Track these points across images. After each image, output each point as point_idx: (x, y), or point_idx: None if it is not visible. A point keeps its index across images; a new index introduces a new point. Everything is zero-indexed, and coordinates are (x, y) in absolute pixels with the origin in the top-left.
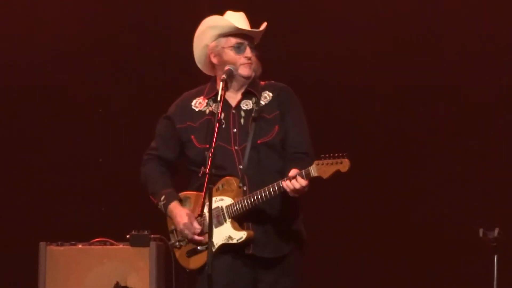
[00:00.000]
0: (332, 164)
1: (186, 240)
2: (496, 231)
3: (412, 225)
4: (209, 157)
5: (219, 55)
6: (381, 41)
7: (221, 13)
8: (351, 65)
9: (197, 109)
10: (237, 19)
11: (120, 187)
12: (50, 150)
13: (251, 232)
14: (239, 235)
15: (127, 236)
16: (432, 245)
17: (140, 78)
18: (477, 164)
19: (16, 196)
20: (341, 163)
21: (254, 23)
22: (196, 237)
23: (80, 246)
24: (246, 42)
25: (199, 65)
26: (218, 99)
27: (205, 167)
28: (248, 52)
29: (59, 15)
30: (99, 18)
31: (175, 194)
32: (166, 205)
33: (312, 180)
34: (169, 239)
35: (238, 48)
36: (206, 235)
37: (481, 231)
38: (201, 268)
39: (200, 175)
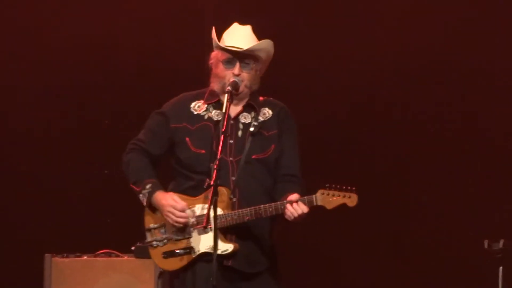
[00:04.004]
0: (339, 196)
1: (164, 240)
2: (501, 242)
3: (417, 237)
4: (214, 169)
5: (214, 66)
6: (385, 71)
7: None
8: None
9: (195, 112)
10: (233, 34)
11: (126, 198)
12: (56, 161)
13: (237, 245)
14: (225, 247)
15: (132, 248)
16: (437, 257)
17: (147, 91)
18: (482, 176)
19: (21, 207)
20: (349, 197)
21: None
22: (182, 214)
23: (85, 257)
24: (236, 60)
25: None
26: (223, 110)
27: (209, 178)
28: (236, 68)
29: (67, 22)
30: (106, 30)
31: (161, 185)
32: (152, 193)
33: (313, 208)
34: (145, 238)
35: (228, 63)
36: (188, 240)
37: (486, 243)
38: (178, 271)
39: (205, 186)
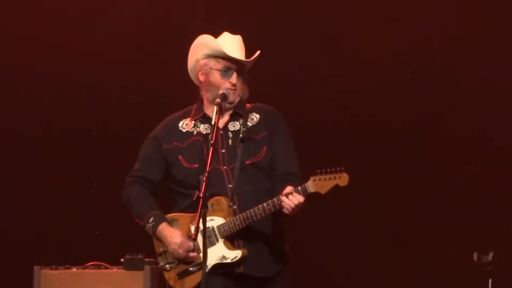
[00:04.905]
0: (330, 179)
1: (176, 262)
2: (491, 255)
3: (406, 249)
4: (203, 181)
5: (206, 74)
6: (383, 74)
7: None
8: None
9: (184, 130)
10: (231, 43)
11: (114, 210)
12: (44, 173)
13: (245, 251)
14: (234, 254)
15: (121, 260)
16: (426, 269)
17: (135, 102)
18: (471, 188)
19: (10, 219)
20: (340, 177)
21: (253, 49)
22: (191, 254)
23: (74, 270)
24: (234, 68)
25: (192, 77)
26: (213, 122)
27: (199, 190)
28: (234, 78)
29: (57, 31)
30: (95, 40)
31: (163, 215)
32: (155, 226)
33: (309, 197)
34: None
35: (225, 72)
36: (199, 255)
37: (475, 255)
38: None
39: (194, 198)
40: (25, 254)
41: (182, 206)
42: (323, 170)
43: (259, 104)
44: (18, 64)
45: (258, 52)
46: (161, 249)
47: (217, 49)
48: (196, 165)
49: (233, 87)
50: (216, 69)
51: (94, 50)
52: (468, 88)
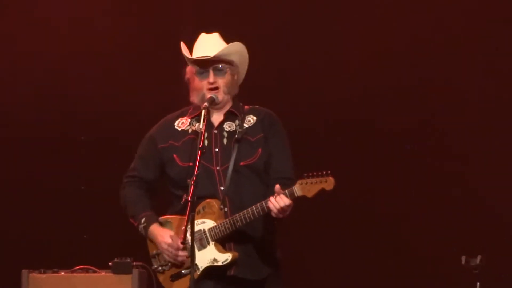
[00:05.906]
0: (316, 182)
1: (169, 264)
2: (479, 258)
3: (394, 252)
4: (191, 184)
5: (191, 80)
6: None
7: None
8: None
9: (179, 129)
10: (201, 43)
11: (103, 214)
12: (32, 177)
13: (236, 254)
14: (224, 257)
15: (110, 264)
16: (414, 272)
17: (123, 107)
18: (459, 191)
19: None
20: (326, 181)
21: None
22: (180, 253)
23: (62, 273)
24: (208, 68)
25: None
26: (200, 126)
27: (187, 194)
28: (210, 77)
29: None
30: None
31: (155, 216)
32: (147, 227)
33: (296, 200)
34: (151, 264)
35: (201, 74)
36: (189, 259)
37: (463, 259)
38: None
39: (182, 202)
40: (13, 257)
41: (177, 208)
42: (310, 174)
43: (257, 106)
44: (16, 65)
45: (229, 44)
46: (154, 251)
47: (185, 55)
48: (191, 164)
49: (212, 86)
50: (194, 73)
51: (84, 56)
52: (462, 92)
